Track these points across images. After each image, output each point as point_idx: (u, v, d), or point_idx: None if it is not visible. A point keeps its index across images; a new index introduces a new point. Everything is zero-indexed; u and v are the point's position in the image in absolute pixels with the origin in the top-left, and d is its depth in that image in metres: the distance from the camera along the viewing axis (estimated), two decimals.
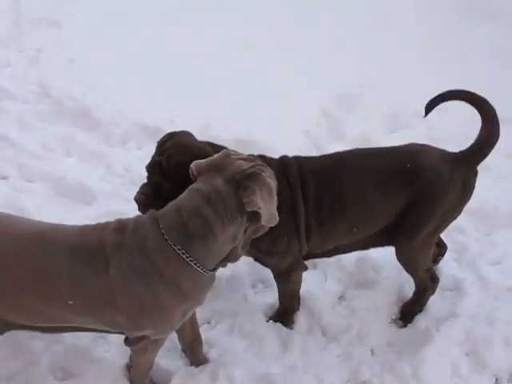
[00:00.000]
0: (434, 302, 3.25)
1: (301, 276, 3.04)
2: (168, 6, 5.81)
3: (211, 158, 2.40)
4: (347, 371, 2.98)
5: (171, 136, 2.89)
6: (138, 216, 2.46)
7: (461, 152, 2.89)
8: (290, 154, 3.98)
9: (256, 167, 2.33)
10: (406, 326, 3.20)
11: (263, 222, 2.29)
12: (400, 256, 3.04)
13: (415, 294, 3.22)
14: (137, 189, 2.80)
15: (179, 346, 2.96)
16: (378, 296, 3.29)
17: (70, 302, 2.37)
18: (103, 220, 2.47)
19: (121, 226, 2.39)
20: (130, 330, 2.50)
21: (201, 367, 2.91)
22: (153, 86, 4.67)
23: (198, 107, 4.45)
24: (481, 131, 2.87)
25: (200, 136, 4.15)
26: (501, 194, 3.88)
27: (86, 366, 2.92)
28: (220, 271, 2.52)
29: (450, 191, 2.83)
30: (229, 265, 2.48)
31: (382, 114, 4.40)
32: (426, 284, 3.17)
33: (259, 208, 2.24)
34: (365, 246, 3.10)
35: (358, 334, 3.12)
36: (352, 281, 3.39)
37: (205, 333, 2.99)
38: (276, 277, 3.06)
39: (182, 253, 2.29)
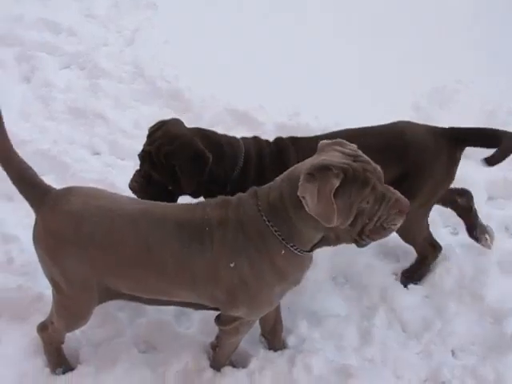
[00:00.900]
0: None
1: None
2: None
3: (333, 141, 2.38)
4: (426, 370, 2.92)
5: (161, 125, 2.96)
6: (240, 194, 2.50)
7: (451, 128, 3.01)
8: None
9: (340, 164, 2.20)
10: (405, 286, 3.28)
11: (309, 211, 2.20)
12: (399, 233, 3.07)
13: (417, 261, 3.31)
14: None
15: (258, 330, 2.99)
16: (464, 297, 3.21)
17: (176, 276, 2.45)
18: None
19: (224, 202, 2.46)
20: (226, 307, 2.54)
21: (279, 352, 2.93)
22: (244, 72, 4.70)
23: (288, 94, 4.45)
24: (502, 143, 2.90)
25: (289, 122, 4.20)
26: None
27: (167, 341, 3.00)
28: None
29: (436, 164, 2.93)
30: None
31: (476, 112, 4.25)
32: (427, 251, 3.27)
33: (303, 197, 2.19)
34: None
35: (440, 333, 3.05)
36: (437, 281, 3.30)
37: (284, 319, 2.99)
38: None
39: (275, 230, 2.32)
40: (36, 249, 2.56)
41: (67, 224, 2.45)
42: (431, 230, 3.30)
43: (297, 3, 5.65)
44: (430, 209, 3.15)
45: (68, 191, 2.55)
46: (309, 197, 2.17)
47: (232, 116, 4.39)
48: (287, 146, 3.00)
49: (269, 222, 2.34)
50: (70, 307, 2.65)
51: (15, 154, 2.57)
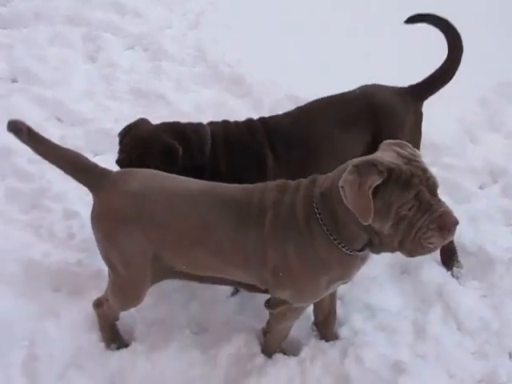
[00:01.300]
0: None
1: None
2: None
3: (394, 141, 2.34)
4: (481, 371, 2.85)
5: (128, 130, 3.02)
6: (301, 179, 2.49)
7: (410, 86, 3.11)
8: (441, 141, 3.89)
9: (389, 163, 2.15)
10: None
11: (346, 203, 2.16)
12: None
13: None
14: None
15: (311, 319, 2.98)
16: None
17: (231, 255, 2.48)
18: None
19: (283, 186, 2.47)
20: (273, 287, 2.55)
21: (331, 343, 2.91)
22: (307, 59, 4.66)
23: (348, 83, 4.38)
24: (444, 62, 3.09)
25: None
26: None
27: (219, 324, 3.02)
28: None
29: (406, 122, 3.03)
30: None
31: None
32: None
33: (342, 187, 2.16)
34: None
35: (497, 334, 2.97)
36: (496, 281, 3.21)
37: (337, 310, 2.96)
38: None
39: (321, 219, 2.31)
40: (94, 230, 2.60)
41: (126, 204, 2.48)
42: (491, 228, 3.28)
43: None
44: None
45: (126, 173, 2.60)
46: (348, 188, 2.15)
47: (292, 102, 4.33)
48: (256, 126, 3.06)
49: (317, 209, 2.33)
50: (125, 287, 2.70)
51: (58, 148, 2.60)
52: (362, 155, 2.80)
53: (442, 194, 3.02)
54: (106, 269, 2.86)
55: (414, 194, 2.12)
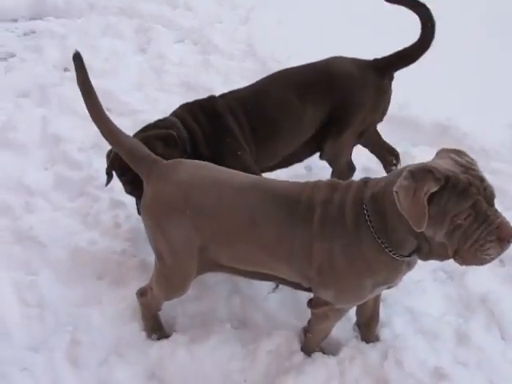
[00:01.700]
0: None
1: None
2: None
3: (451, 149, 2.30)
4: None
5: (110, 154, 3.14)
6: (353, 180, 2.49)
7: (375, 59, 3.21)
8: (490, 146, 3.81)
9: (446, 171, 2.10)
10: None
11: (400, 208, 2.12)
12: (325, 155, 3.39)
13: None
14: None
15: (352, 320, 2.95)
16: None
17: (276, 250, 2.47)
18: None
19: (333, 184, 2.46)
20: (316, 287, 2.53)
21: (371, 344, 2.88)
22: (354, 49, 4.58)
23: (398, 86, 4.31)
24: (414, 43, 3.18)
25: (399, 113, 4.08)
26: None
27: (260, 320, 3.02)
28: None
29: (363, 93, 3.15)
30: None
31: None
32: (344, 173, 3.47)
33: (396, 192, 2.12)
34: (300, 156, 3.42)
35: None
36: None
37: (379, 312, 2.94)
38: None
39: (370, 221, 2.29)
40: (144, 218, 2.62)
41: (176, 193, 2.50)
42: None
43: None
44: (357, 136, 3.37)
45: (177, 163, 2.61)
46: (402, 194, 2.11)
47: None
48: (217, 100, 3.21)
49: (367, 211, 2.30)
50: (171, 277, 2.71)
51: (122, 133, 2.65)
52: (321, 126, 3.20)
53: None
54: (149, 259, 2.90)
55: (471, 203, 2.08)
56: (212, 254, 2.58)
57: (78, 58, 2.55)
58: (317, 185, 2.47)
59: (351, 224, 2.33)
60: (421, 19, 3.19)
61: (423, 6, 3.18)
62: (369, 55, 4.60)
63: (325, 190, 2.43)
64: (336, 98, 3.14)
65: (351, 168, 3.55)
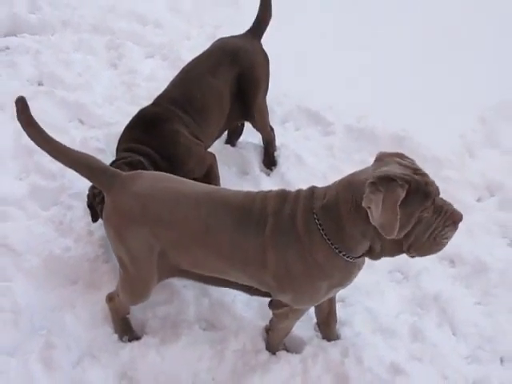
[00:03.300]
0: None
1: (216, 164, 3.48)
2: None
3: (392, 152, 2.36)
4: (473, 374, 2.84)
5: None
6: (301, 188, 2.49)
7: (249, 30, 3.65)
8: (442, 155, 3.88)
9: (404, 176, 2.15)
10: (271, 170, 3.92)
11: (373, 222, 2.15)
12: (254, 124, 3.74)
13: (266, 148, 3.95)
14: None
15: (314, 319, 2.97)
16: None
17: (230, 257, 2.47)
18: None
19: (283, 194, 2.47)
20: (274, 291, 2.54)
21: (332, 342, 2.90)
22: (318, 73, 4.62)
23: (357, 98, 4.37)
24: (260, 9, 3.63)
25: (357, 124, 4.13)
26: None
27: (227, 322, 3.02)
28: None
29: (259, 59, 3.57)
30: None
31: None
32: (271, 136, 3.90)
33: (368, 207, 2.13)
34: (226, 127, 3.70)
35: (490, 341, 2.96)
36: (491, 289, 3.21)
37: (339, 311, 2.96)
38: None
39: (322, 229, 2.31)
40: (105, 228, 2.61)
41: (135, 204, 2.48)
42: (488, 239, 3.35)
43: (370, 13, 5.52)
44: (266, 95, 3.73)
45: (136, 175, 2.59)
46: (374, 207, 2.12)
47: (304, 114, 4.35)
48: (156, 113, 3.32)
49: (318, 220, 2.32)
50: (133, 284, 2.70)
51: (70, 150, 2.56)
52: (231, 92, 3.48)
53: None
54: None
55: (432, 200, 2.17)
56: (172, 260, 2.57)
57: (21, 103, 2.50)
58: (267, 195, 2.48)
59: (303, 233, 2.34)
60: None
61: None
62: (330, 69, 4.67)
63: (275, 200, 2.43)
64: (240, 67, 3.47)
65: (272, 129, 3.91)
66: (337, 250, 2.33)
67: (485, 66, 4.59)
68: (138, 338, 2.93)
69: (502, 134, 4.07)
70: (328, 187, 2.39)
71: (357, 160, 3.83)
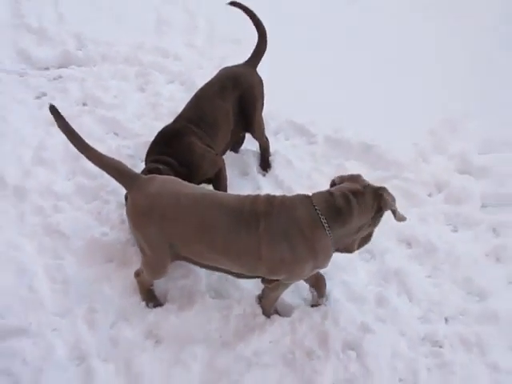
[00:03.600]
0: None
1: (224, 167, 3.32)
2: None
3: (351, 174, 2.46)
4: (424, 331, 2.84)
5: None
6: (284, 195, 2.48)
7: (247, 61, 3.54)
8: (403, 159, 3.83)
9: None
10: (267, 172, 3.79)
11: (398, 220, 2.33)
12: (253, 134, 3.63)
13: (262, 154, 3.83)
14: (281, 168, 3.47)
15: (301, 290, 2.97)
16: (458, 279, 3.10)
17: (223, 251, 2.43)
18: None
19: (270, 198, 2.43)
20: (267, 276, 2.52)
21: (315, 308, 2.88)
22: (301, 93, 4.54)
23: (334, 113, 4.29)
24: (257, 45, 3.55)
25: (334, 135, 4.06)
26: None
27: (231, 292, 3.00)
28: None
29: (256, 83, 3.48)
30: None
31: (479, 138, 4.04)
32: (266, 144, 3.80)
33: (393, 210, 2.30)
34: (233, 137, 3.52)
35: (437, 304, 2.95)
36: (439, 265, 3.18)
37: None
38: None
39: (325, 222, 2.27)
40: (128, 221, 2.60)
41: (146, 202, 2.45)
42: (436, 226, 3.33)
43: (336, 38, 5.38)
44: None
45: (150, 178, 2.55)
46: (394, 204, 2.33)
47: (291, 127, 4.31)
48: (175, 129, 3.24)
49: (322, 214, 2.31)
50: (152, 264, 2.68)
51: (104, 156, 2.54)
52: (233, 111, 3.37)
53: (401, 200, 3.03)
54: None
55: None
56: (176, 249, 2.54)
57: (53, 110, 2.47)
58: (256, 198, 2.44)
59: (307, 230, 2.33)
60: (257, 28, 3.54)
61: (262, 27, 3.53)
62: (310, 87, 4.56)
63: (264, 202, 2.40)
64: (241, 90, 3.39)
65: (267, 138, 3.81)
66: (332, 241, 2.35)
67: (434, 90, 4.53)
68: (160, 305, 2.91)
69: (447, 143, 4.03)
70: (319, 192, 2.42)
71: (334, 164, 3.81)
